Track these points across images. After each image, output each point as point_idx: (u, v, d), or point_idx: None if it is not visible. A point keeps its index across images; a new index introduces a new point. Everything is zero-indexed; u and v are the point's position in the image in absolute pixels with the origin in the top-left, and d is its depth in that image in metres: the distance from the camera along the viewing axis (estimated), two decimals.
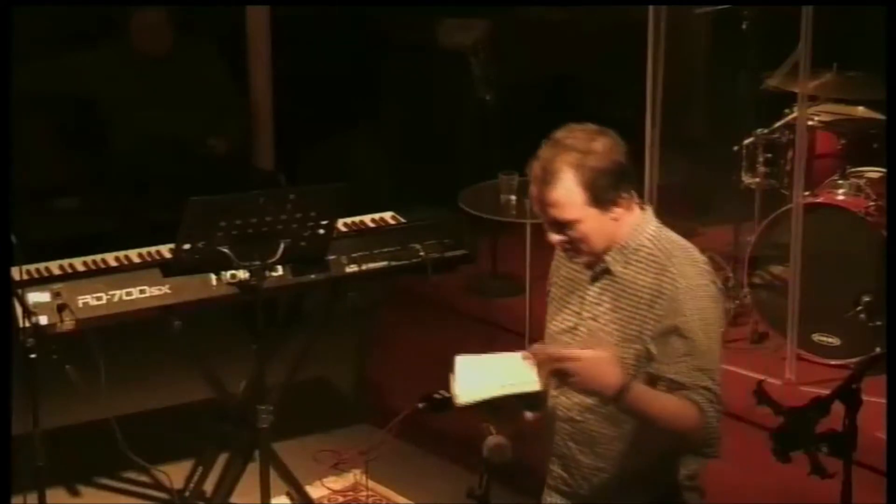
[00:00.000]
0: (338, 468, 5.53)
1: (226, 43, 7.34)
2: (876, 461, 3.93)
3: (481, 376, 3.35)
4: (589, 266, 3.47)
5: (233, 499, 5.03)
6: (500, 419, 3.31)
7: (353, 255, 4.95)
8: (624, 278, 3.42)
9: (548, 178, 3.34)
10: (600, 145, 3.34)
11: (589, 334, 3.45)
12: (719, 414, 3.35)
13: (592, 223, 3.37)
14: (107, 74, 6.90)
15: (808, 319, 5.21)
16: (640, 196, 3.54)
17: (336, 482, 5.46)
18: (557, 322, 3.56)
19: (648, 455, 3.47)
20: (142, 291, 4.70)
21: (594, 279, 3.48)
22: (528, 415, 3.48)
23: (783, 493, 4.55)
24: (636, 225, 3.44)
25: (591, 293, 3.49)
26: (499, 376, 3.34)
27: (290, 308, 5.84)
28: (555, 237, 3.43)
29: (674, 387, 3.31)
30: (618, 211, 3.39)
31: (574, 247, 3.42)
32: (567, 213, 3.36)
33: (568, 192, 3.33)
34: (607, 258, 3.43)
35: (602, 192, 3.34)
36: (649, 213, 3.50)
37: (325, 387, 6.20)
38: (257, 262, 4.52)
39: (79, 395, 4.61)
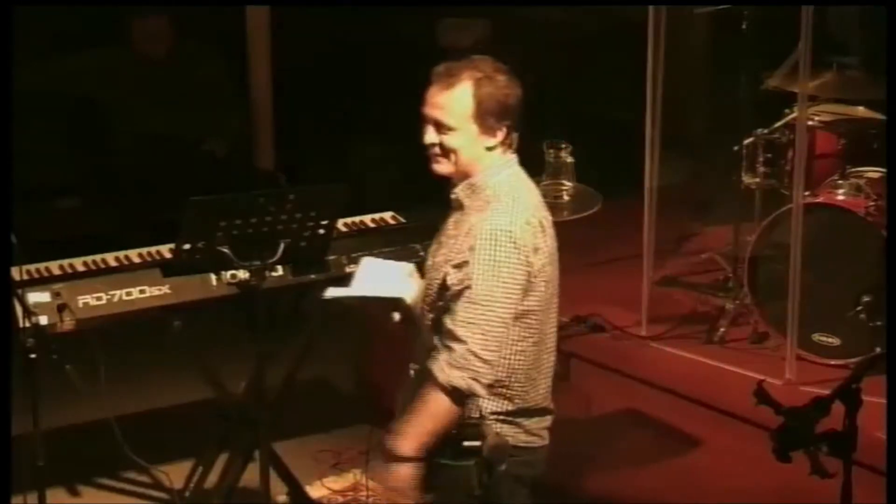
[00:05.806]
0: (338, 468, 5.53)
1: (226, 43, 7.34)
2: (876, 461, 3.94)
3: (368, 277, 3.88)
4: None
5: (233, 499, 5.03)
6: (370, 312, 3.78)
7: (353, 255, 4.94)
8: (468, 212, 3.63)
9: (450, 80, 3.60)
10: (503, 79, 3.61)
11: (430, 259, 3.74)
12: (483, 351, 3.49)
13: (467, 138, 3.60)
14: (107, 75, 6.90)
15: (808, 319, 5.21)
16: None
17: (336, 482, 5.46)
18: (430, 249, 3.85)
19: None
20: (142, 291, 4.70)
21: (453, 211, 3.70)
22: (395, 315, 3.83)
23: (783, 493, 4.55)
24: (494, 166, 3.62)
25: (448, 223, 3.72)
26: (380, 281, 3.85)
27: (290, 308, 5.82)
28: (429, 137, 3.65)
29: (447, 322, 3.52)
30: (493, 142, 3.60)
31: (443, 153, 3.65)
32: (450, 119, 3.59)
33: (460, 99, 3.58)
34: (457, 191, 3.66)
35: (487, 115, 3.57)
36: (513, 160, 3.67)
37: (325, 387, 6.20)
38: (257, 262, 4.51)
39: (79, 395, 4.61)
